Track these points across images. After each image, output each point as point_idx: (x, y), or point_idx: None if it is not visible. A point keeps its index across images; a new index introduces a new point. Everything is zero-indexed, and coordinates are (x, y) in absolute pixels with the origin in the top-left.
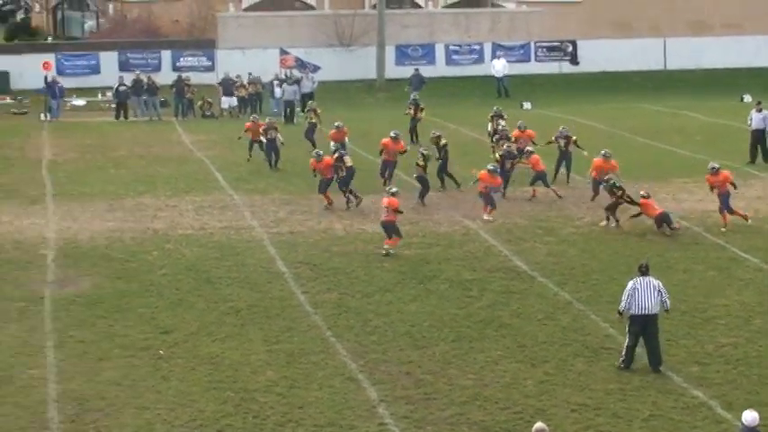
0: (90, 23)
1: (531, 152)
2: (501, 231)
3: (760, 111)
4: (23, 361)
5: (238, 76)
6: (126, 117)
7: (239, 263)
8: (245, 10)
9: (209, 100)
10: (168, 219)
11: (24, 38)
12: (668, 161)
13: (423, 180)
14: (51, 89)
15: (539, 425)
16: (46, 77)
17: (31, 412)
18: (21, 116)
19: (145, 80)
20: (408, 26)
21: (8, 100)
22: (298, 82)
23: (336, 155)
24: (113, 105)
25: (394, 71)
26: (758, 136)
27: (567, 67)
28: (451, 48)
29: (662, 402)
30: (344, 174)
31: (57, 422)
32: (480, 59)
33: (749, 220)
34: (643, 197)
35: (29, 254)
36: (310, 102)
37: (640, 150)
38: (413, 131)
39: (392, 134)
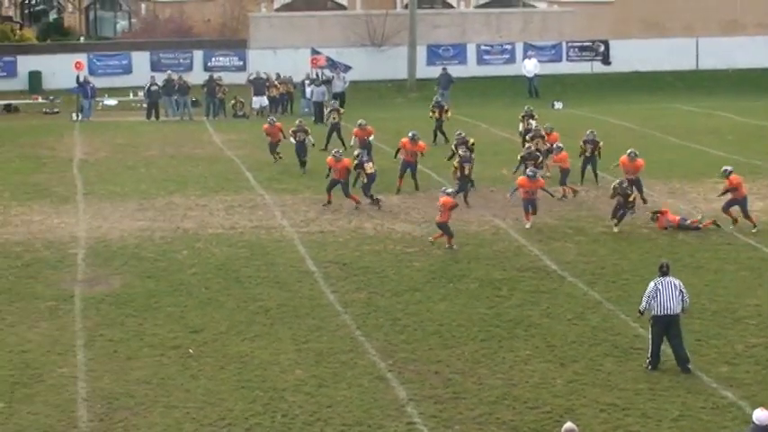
0: (122, 23)
1: (561, 148)
2: (531, 231)
3: None
4: (53, 359)
5: (266, 74)
6: (157, 117)
7: (269, 262)
8: (277, 10)
9: (242, 100)
10: (198, 218)
11: (57, 38)
12: (700, 161)
13: (464, 181)
14: (83, 89)
15: (568, 425)
16: (78, 77)
17: (60, 411)
18: (52, 116)
19: (176, 80)
20: (440, 26)
21: (40, 100)
22: (327, 82)
23: (357, 161)
24: (145, 105)
25: (425, 71)
26: None
27: (598, 67)
28: (483, 48)
29: (691, 402)
30: (366, 180)
31: (86, 421)
32: (512, 59)
33: (733, 226)
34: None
35: (59, 253)
36: (332, 101)
37: (672, 150)
38: (438, 132)
39: (410, 135)
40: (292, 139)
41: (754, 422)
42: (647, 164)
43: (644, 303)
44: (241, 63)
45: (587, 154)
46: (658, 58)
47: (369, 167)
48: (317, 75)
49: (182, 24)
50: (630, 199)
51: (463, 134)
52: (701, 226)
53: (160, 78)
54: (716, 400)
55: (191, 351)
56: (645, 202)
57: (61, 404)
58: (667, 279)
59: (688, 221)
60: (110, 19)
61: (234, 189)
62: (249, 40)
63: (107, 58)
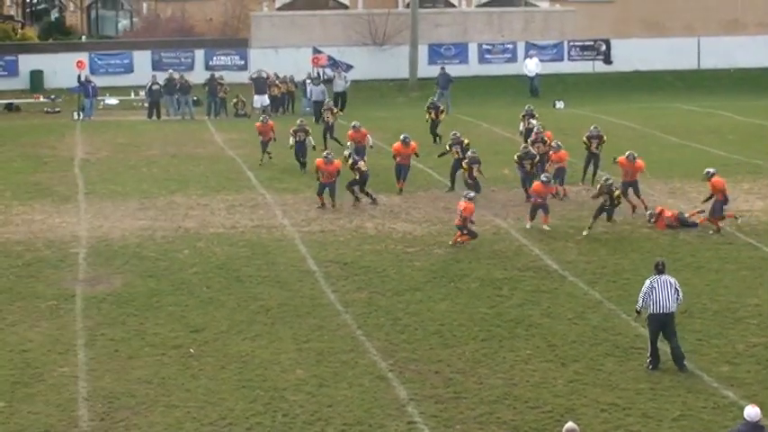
0: (123, 22)
1: (560, 146)
2: (532, 231)
3: None
4: (54, 359)
5: (266, 73)
6: (158, 116)
7: (270, 261)
8: (279, 9)
9: (244, 99)
10: (199, 217)
11: (58, 37)
12: (701, 161)
13: (473, 182)
14: (85, 88)
15: (569, 425)
16: (79, 76)
17: (61, 410)
18: (54, 115)
19: (177, 79)
20: (441, 25)
21: (41, 99)
22: (327, 82)
23: (351, 161)
24: (146, 104)
25: (426, 70)
26: None
27: (600, 67)
28: (484, 47)
29: (692, 402)
30: (359, 178)
31: (86, 420)
32: (513, 59)
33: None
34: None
35: (60, 252)
36: (327, 101)
37: (673, 150)
38: (434, 133)
39: (402, 138)
40: (292, 139)
41: (745, 418)
42: (648, 163)
43: (640, 302)
44: (242, 62)
45: (593, 149)
46: (659, 58)
47: (362, 165)
48: (319, 74)
49: (183, 23)
50: (614, 196)
51: (458, 134)
52: (698, 222)
53: (161, 77)
54: (717, 399)
55: (191, 350)
56: (646, 208)
57: (62, 403)
58: (663, 277)
59: (686, 214)
60: (111, 18)
61: (235, 188)
62: (251, 40)
63: (108, 58)
